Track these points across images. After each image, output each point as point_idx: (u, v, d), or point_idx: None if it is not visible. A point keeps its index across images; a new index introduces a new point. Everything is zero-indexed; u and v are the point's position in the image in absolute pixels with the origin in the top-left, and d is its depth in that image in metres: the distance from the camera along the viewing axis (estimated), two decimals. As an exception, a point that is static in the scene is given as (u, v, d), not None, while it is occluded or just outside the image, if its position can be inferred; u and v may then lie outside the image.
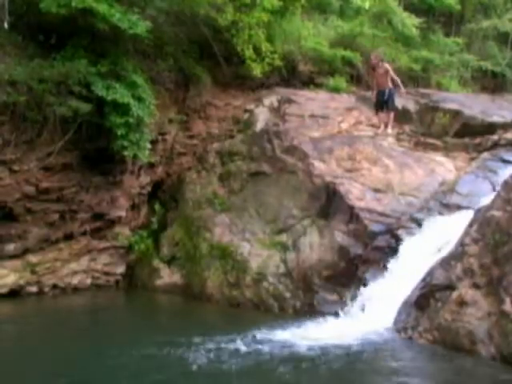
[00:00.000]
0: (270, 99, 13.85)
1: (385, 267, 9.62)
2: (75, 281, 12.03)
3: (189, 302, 11.56)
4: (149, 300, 11.96)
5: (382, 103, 12.94)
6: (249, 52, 13.41)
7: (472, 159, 11.86)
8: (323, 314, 9.67)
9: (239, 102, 14.20)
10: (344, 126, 13.02)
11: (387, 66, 13.01)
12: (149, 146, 11.84)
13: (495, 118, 12.59)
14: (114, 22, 10.64)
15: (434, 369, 7.65)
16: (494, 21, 19.27)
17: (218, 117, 14.02)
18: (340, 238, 10.43)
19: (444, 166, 11.76)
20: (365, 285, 9.62)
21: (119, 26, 10.73)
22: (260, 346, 8.03)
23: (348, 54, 15.42)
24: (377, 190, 10.96)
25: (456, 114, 12.76)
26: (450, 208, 10.29)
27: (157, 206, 13.27)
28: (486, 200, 9.49)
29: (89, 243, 12.30)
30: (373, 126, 13.35)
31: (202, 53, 13.95)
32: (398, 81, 13.04)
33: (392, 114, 12.99)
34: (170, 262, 12.45)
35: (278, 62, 13.80)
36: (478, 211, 9.23)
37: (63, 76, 10.58)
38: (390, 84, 12.88)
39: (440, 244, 9.32)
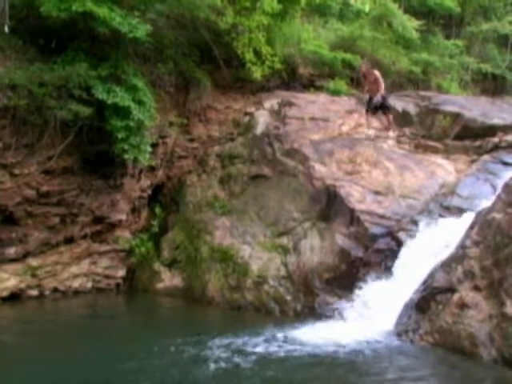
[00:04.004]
0: (271, 102, 13.86)
1: (385, 270, 9.61)
2: (76, 284, 12.05)
3: (190, 305, 11.56)
4: (150, 303, 11.96)
5: (373, 108, 12.81)
6: (249, 55, 13.43)
7: (472, 161, 11.86)
8: (324, 317, 9.67)
9: (239, 105, 14.22)
10: (344, 128, 13.02)
11: (377, 73, 12.78)
12: (149, 149, 11.87)
13: (495, 121, 12.57)
14: (115, 25, 10.67)
15: (434, 372, 7.63)
16: (493, 23, 19.32)
17: (219, 120, 14.04)
18: (341, 240, 10.42)
19: (444, 169, 11.76)
20: (365, 287, 9.61)
21: (119, 30, 10.75)
22: (260, 349, 8.03)
23: (348, 56, 15.44)
24: (377, 193, 10.95)
25: (456, 116, 12.75)
26: (450, 210, 10.28)
27: (157, 209, 13.28)
28: (487, 202, 9.49)
29: (89, 247, 12.31)
30: (374, 128, 13.34)
31: (203, 56, 13.96)
32: (382, 87, 12.67)
33: (391, 117, 12.96)
34: (171, 265, 12.45)
35: (278, 65, 13.83)
36: (478, 214, 9.22)
37: (64, 80, 10.60)
38: (381, 89, 12.62)
39: (441, 246, 9.30)
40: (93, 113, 10.94)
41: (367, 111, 12.94)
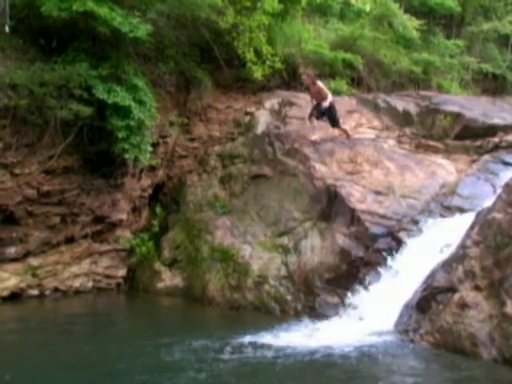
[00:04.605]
0: (271, 102, 13.86)
1: (386, 270, 9.61)
2: (76, 284, 12.05)
3: (190, 304, 11.56)
4: (150, 303, 11.96)
5: (319, 114, 12.29)
6: (250, 55, 13.44)
7: (473, 161, 11.86)
8: (324, 317, 9.67)
9: (240, 105, 14.21)
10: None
11: (319, 84, 12.33)
12: (150, 148, 11.88)
13: (496, 121, 12.58)
14: (115, 25, 10.67)
15: (435, 372, 7.62)
16: (494, 23, 19.32)
17: (219, 120, 14.04)
18: (341, 240, 10.42)
19: (445, 169, 11.76)
20: (366, 287, 9.61)
21: (120, 30, 10.76)
22: (261, 349, 8.03)
23: (349, 56, 15.42)
24: (378, 193, 10.95)
25: (457, 116, 12.75)
26: (451, 210, 10.28)
27: (158, 209, 13.28)
28: (487, 202, 9.49)
29: (90, 246, 12.31)
30: (374, 128, 13.34)
31: (203, 56, 13.97)
32: (327, 96, 12.16)
33: (344, 127, 12.58)
34: (171, 264, 12.45)
35: (278, 65, 13.83)
36: (479, 213, 9.22)
37: (64, 79, 10.60)
38: (326, 98, 12.14)
39: (441, 246, 9.30)
40: (93, 112, 10.95)
41: (311, 116, 12.38)
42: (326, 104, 12.16)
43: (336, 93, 14.74)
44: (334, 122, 12.44)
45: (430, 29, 18.17)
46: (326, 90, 12.39)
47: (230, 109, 14.19)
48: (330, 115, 12.33)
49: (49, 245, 11.71)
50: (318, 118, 12.42)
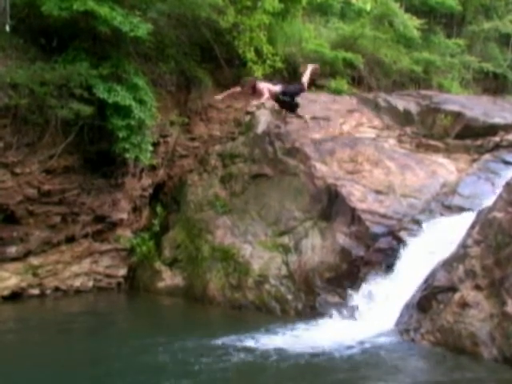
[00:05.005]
0: (272, 101, 13.82)
1: (387, 269, 9.61)
2: (77, 283, 12.05)
3: (191, 304, 11.56)
4: (150, 302, 11.96)
5: (291, 105, 12.31)
6: (250, 54, 13.44)
7: (473, 161, 11.85)
8: (325, 316, 9.67)
9: (241, 105, 14.19)
10: (345, 127, 13.00)
11: (260, 86, 11.92)
12: (150, 148, 11.87)
13: (497, 120, 12.55)
14: (116, 24, 10.66)
15: (436, 371, 7.63)
16: (495, 22, 19.30)
17: (220, 119, 14.02)
18: (342, 239, 10.42)
19: (445, 168, 11.75)
20: (366, 287, 9.61)
21: (120, 29, 10.75)
22: (262, 349, 8.03)
23: (349, 55, 15.41)
24: (378, 192, 10.95)
25: (457, 115, 12.73)
26: (451, 210, 10.28)
27: (158, 209, 13.28)
28: (488, 201, 9.49)
29: (90, 246, 12.31)
30: (374, 127, 13.33)
31: (204, 55, 13.95)
32: (262, 94, 11.91)
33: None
34: (172, 264, 12.45)
35: (279, 64, 13.82)
36: (479, 213, 9.21)
37: (65, 79, 10.60)
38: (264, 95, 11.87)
39: (442, 246, 9.30)
40: (94, 112, 10.94)
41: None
42: (262, 100, 12.13)
43: (337, 92, 14.79)
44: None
45: (430, 28, 18.15)
46: (265, 89, 11.92)
47: (230, 108, 14.17)
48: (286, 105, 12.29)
49: (49, 244, 11.71)
50: (294, 104, 12.28)
